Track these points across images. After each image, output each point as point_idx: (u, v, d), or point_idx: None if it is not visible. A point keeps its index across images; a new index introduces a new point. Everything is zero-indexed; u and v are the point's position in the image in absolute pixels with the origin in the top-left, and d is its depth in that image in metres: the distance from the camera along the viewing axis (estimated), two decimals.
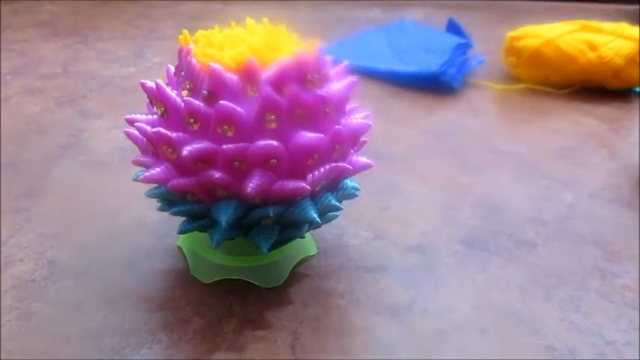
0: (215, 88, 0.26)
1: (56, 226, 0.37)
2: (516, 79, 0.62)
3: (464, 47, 0.63)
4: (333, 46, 0.68)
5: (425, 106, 0.56)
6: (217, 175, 0.26)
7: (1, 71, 0.61)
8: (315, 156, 0.27)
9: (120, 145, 0.47)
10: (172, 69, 0.30)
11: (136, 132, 0.29)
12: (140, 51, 0.68)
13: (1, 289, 0.31)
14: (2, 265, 0.33)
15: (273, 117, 0.26)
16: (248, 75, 0.26)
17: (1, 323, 0.29)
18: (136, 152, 0.31)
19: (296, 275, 0.32)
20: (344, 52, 0.64)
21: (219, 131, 0.26)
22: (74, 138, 0.48)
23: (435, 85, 0.59)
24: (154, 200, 0.31)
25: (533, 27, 0.62)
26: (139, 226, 0.36)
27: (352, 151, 0.30)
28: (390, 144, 0.47)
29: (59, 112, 0.53)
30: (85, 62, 0.65)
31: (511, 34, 0.63)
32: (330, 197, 0.29)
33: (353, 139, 0.30)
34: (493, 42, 0.66)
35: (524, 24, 0.64)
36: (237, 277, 0.31)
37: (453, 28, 0.68)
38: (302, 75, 0.27)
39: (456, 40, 0.64)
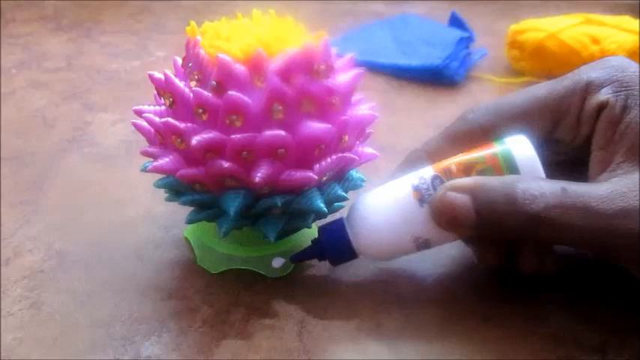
0: (223, 79, 0.26)
1: (64, 218, 0.37)
2: (519, 73, 0.62)
3: (466, 41, 0.63)
4: (337, 40, 0.68)
5: (428, 99, 0.56)
6: (226, 164, 0.26)
7: (6, 65, 0.61)
8: (322, 146, 0.27)
9: (126, 137, 0.47)
10: (179, 61, 0.30)
11: (143, 123, 0.30)
12: (144, 45, 0.68)
13: (12, 279, 0.32)
14: (12, 256, 0.34)
15: (280, 107, 0.26)
16: (256, 66, 0.26)
17: (13, 312, 0.30)
18: (142, 144, 0.31)
19: (302, 265, 0.32)
20: (348, 45, 0.64)
21: (228, 121, 0.26)
22: (80, 131, 0.48)
23: (437, 79, 0.59)
24: (161, 192, 0.32)
25: (536, 20, 0.62)
26: (146, 217, 0.37)
27: (358, 142, 0.31)
28: (393, 136, 0.47)
29: (64, 105, 0.53)
30: (89, 56, 0.65)
31: (514, 27, 0.63)
32: (337, 188, 0.29)
33: (359, 130, 0.30)
34: (495, 35, 0.66)
35: (526, 17, 0.63)
36: (244, 267, 0.32)
37: (456, 21, 0.68)
38: (309, 66, 0.27)
39: (458, 33, 0.64)
